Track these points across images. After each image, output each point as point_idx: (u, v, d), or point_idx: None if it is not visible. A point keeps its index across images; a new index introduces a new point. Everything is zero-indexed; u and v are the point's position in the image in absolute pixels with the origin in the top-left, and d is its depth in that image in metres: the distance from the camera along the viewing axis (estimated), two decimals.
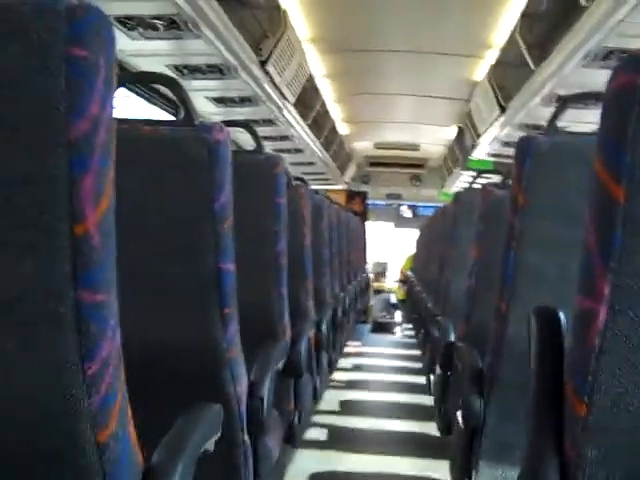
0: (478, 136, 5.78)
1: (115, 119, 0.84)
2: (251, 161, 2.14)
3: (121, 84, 1.67)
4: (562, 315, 1.02)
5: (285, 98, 4.36)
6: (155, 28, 2.77)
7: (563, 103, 1.78)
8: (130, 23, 2.73)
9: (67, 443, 0.83)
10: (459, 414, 2.07)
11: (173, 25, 2.74)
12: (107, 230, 0.82)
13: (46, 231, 0.77)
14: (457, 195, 3.42)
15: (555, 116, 1.70)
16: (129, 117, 1.56)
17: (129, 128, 1.44)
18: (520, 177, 1.60)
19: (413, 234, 9.19)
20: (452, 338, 2.65)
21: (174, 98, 1.60)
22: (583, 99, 1.78)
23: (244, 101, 4.06)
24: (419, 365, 5.27)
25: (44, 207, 0.77)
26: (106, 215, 0.81)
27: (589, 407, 0.83)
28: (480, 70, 5.08)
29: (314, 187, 4.08)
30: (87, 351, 0.80)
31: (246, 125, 2.41)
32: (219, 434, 1.27)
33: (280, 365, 2.03)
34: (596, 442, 0.84)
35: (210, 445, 1.21)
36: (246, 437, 1.66)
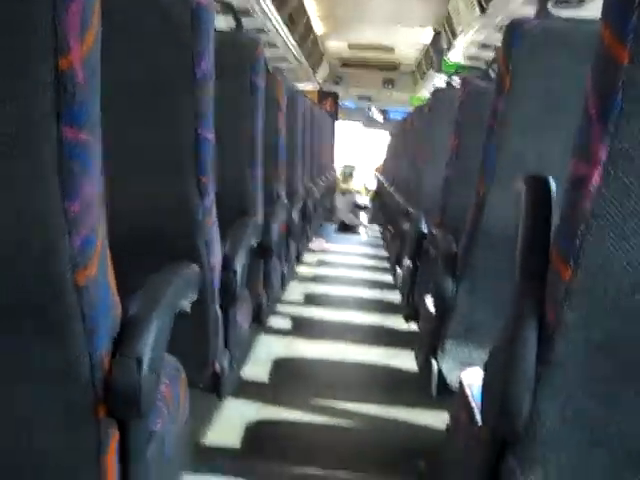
0: (454, 38, 5.68)
1: None
2: (232, 38, 2.10)
3: None
4: (552, 183, 1.04)
5: None
6: None
7: None
8: None
9: (47, 284, 0.83)
10: (428, 299, 2.12)
11: None
12: (92, 67, 0.80)
13: (30, 65, 0.74)
14: (435, 91, 3.39)
15: (543, 3, 1.68)
16: None
17: None
18: (507, 60, 1.59)
19: (383, 137, 9.15)
20: (424, 228, 2.68)
21: None
22: None
23: None
24: (385, 264, 5.34)
25: (28, 39, 0.74)
26: (92, 51, 0.79)
27: (574, 271, 0.85)
28: None
29: None
30: (68, 190, 0.79)
31: (225, 4, 2.35)
32: (195, 296, 1.29)
33: (253, 244, 2.06)
34: (578, 305, 0.86)
35: (187, 306, 1.22)
36: (217, 308, 1.69)
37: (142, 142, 1.47)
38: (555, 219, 0.99)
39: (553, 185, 1.03)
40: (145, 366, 0.95)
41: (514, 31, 1.58)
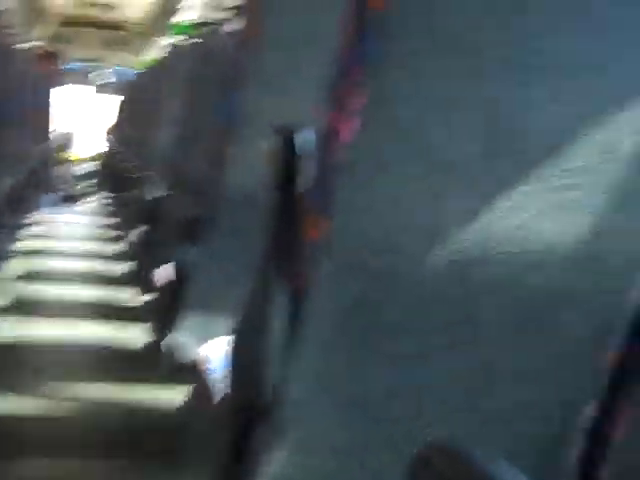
0: None
1: None
2: None
3: None
4: (305, 134, 0.97)
5: None
6: None
7: None
8: None
9: None
10: (163, 268, 2.01)
11: None
12: None
13: None
14: (172, 45, 3.25)
15: None
16: None
17: None
18: (254, 9, 1.51)
19: (114, 100, 8.78)
20: (158, 192, 2.55)
21: None
22: None
23: None
24: (115, 233, 5.12)
25: None
26: None
27: (324, 229, 0.80)
28: None
29: None
30: None
31: None
32: None
33: None
34: (328, 265, 0.82)
35: None
36: None
37: None
38: (306, 175, 0.94)
39: (303, 137, 0.97)
40: None
41: None
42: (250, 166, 1.12)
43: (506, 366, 0.90)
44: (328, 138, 0.81)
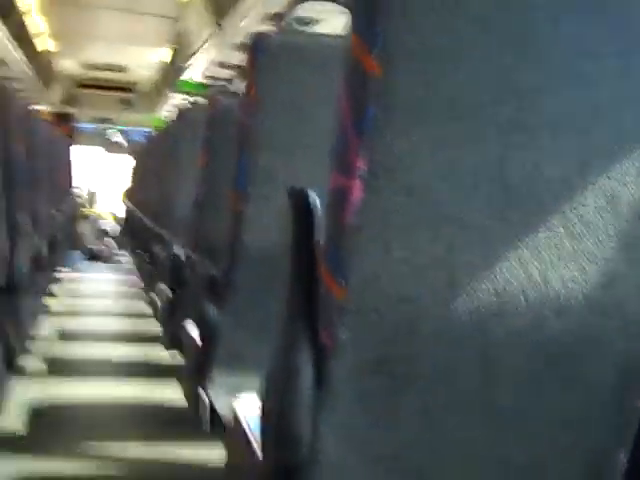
0: (191, 57, 5.68)
1: None
2: None
3: None
4: (314, 196, 1.01)
5: None
6: None
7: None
8: None
9: None
10: (190, 326, 2.04)
11: None
12: None
13: None
14: (180, 111, 3.33)
15: (287, 13, 1.69)
16: None
17: None
18: (253, 74, 1.56)
19: (126, 160, 8.92)
20: (179, 253, 2.60)
21: None
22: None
23: None
24: (139, 290, 5.17)
25: None
26: None
27: (343, 289, 0.82)
28: None
29: None
30: None
31: None
32: None
33: None
34: (350, 323, 0.84)
35: None
36: None
37: None
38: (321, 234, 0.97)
39: (315, 199, 1.00)
40: None
41: (256, 45, 1.56)
42: (266, 225, 1.15)
43: (533, 415, 0.92)
44: (338, 200, 0.83)
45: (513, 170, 0.82)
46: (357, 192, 0.80)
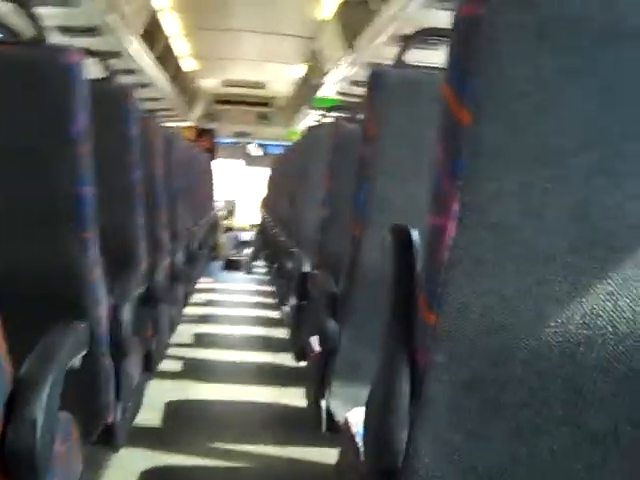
0: (325, 74, 5.83)
1: None
2: (103, 90, 2.09)
3: None
4: (415, 233, 1.10)
5: (131, 30, 4.22)
6: None
7: (411, 36, 1.86)
8: None
9: None
10: (314, 339, 2.17)
11: None
12: None
13: None
14: (308, 130, 3.48)
15: (403, 50, 1.78)
16: None
17: None
18: (371, 108, 1.67)
19: (263, 172, 9.22)
20: (306, 268, 2.74)
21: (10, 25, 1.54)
22: (430, 34, 1.87)
23: (89, 31, 3.89)
24: (272, 300, 5.36)
25: None
26: None
27: (438, 316, 0.90)
28: (327, 8, 5.11)
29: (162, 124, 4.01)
30: None
31: (95, 54, 2.34)
32: (85, 351, 1.29)
33: (139, 292, 2.06)
34: (443, 348, 0.91)
35: (76, 362, 1.23)
36: (108, 360, 1.68)
37: (23, 203, 1.47)
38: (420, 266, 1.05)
39: (415, 234, 1.10)
40: (39, 428, 0.96)
41: (375, 80, 1.67)
42: (381, 248, 1.25)
43: (622, 438, 0.95)
44: (435, 237, 0.90)
45: (598, 210, 0.86)
46: (451, 230, 0.87)
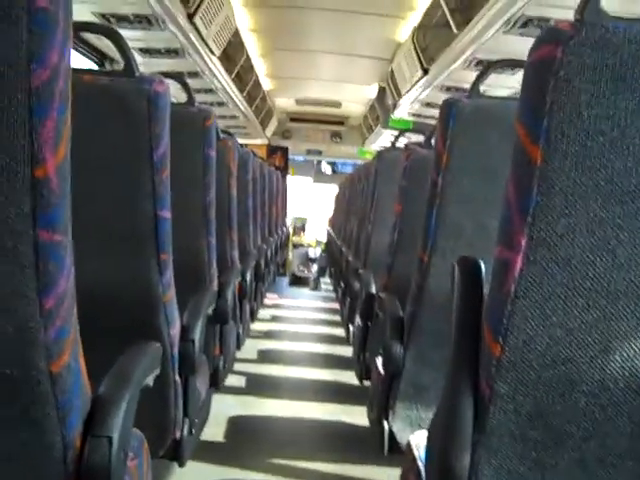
0: (399, 96, 5.86)
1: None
2: (184, 113, 2.17)
3: None
4: (482, 264, 1.13)
5: (211, 51, 4.34)
6: None
7: (486, 67, 1.88)
8: None
9: (23, 372, 0.88)
10: (379, 360, 2.19)
11: None
12: (64, 174, 0.86)
13: (8, 174, 0.80)
14: (380, 153, 3.51)
15: (478, 80, 1.80)
16: None
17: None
18: (444, 137, 1.70)
19: (332, 189, 9.28)
20: (373, 289, 2.77)
21: (99, 47, 1.61)
22: (505, 65, 1.89)
23: (170, 53, 4.03)
24: (337, 318, 5.39)
25: (6, 151, 0.79)
26: (64, 160, 0.85)
27: (503, 347, 0.92)
28: (403, 31, 5.15)
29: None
30: (44, 287, 0.85)
31: (178, 78, 2.43)
32: (158, 371, 1.34)
33: (209, 311, 2.11)
34: (507, 378, 0.93)
35: (150, 380, 1.28)
36: (177, 377, 1.74)
37: (103, 224, 1.53)
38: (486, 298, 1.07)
39: (483, 266, 1.12)
40: (115, 444, 1.00)
41: (448, 110, 1.70)
42: (447, 275, 1.27)
43: None
44: (502, 269, 0.92)
45: None
46: (519, 264, 0.89)
